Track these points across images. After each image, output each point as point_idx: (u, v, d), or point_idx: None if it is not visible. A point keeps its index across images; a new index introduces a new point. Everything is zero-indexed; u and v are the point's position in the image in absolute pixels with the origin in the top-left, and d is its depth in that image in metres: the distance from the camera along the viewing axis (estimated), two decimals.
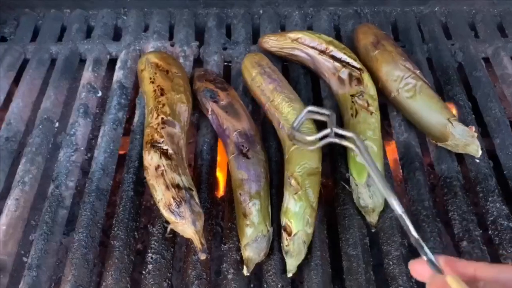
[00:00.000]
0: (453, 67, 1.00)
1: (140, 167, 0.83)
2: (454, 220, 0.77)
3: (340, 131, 0.69)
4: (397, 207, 0.58)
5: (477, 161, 0.84)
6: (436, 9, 1.12)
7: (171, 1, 1.10)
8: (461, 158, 0.86)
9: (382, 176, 0.62)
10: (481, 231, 0.76)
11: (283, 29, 1.10)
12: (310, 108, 0.74)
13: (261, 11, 1.13)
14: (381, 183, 0.61)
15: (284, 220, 0.71)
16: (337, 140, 0.69)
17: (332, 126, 0.70)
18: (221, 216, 0.88)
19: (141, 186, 0.83)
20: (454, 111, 0.93)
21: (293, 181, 0.73)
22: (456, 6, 1.12)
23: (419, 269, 0.52)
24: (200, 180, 0.83)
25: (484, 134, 0.91)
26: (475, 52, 1.03)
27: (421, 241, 0.54)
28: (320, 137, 0.72)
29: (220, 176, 0.95)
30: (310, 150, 0.75)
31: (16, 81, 1.00)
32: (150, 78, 0.86)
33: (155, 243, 0.75)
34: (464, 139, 0.81)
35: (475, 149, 0.81)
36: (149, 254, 0.74)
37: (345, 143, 0.68)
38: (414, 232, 0.55)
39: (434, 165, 0.86)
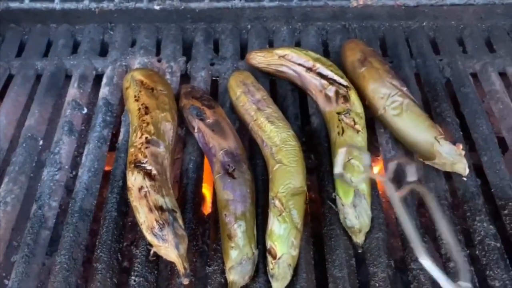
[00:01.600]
0: (441, 83, 0.99)
1: (124, 186, 0.82)
2: (441, 240, 0.77)
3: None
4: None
5: (465, 179, 0.83)
6: (424, 24, 1.13)
7: (159, 15, 1.10)
8: (448, 175, 0.86)
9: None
10: (468, 252, 0.76)
11: (271, 44, 1.10)
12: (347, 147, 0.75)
13: (249, 26, 1.12)
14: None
15: (268, 243, 0.70)
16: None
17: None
18: (207, 234, 0.87)
19: (125, 206, 0.82)
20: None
21: (277, 202, 0.73)
22: (444, 21, 1.12)
23: None
24: (185, 199, 0.82)
25: (472, 150, 0.91)
26: (463, 68, 1.03)
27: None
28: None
29: (207, 193, 0.94)
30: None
31: (1, 97, 0.99)
32: (135, 96, 0.85)
33: (139, 265, 0.73)
34: (452, 158, 0.81)
35: (462, 167, 0.81)
36: (132, 277, 0.72)
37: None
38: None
39: (422, 182, 0.86)
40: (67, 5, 0.91)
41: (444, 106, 0.94)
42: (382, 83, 0.87)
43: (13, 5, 0.90)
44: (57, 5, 0.90)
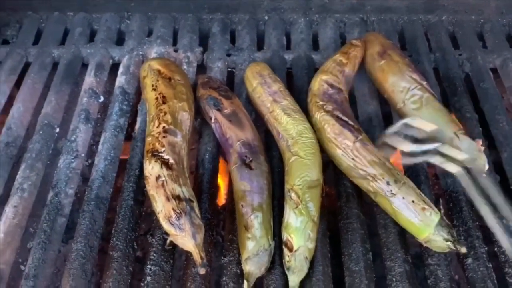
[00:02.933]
0: (460, 78, 0.98)
1: (141, 175, 0.82)
2: (459, 236, 0.76)
3: (450, 151, 0.65)
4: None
5: (484, 175, 0.82)
6: (443, 18, 1.11)
7: (175, 5, 1.09)
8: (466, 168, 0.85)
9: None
10: (486, 248, 0.75)
11: (288, 36, 1.09)
12: (407, 121, 0.70)
13: (266, 17, 1.11)
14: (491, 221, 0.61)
15: (285, 235, 0.70)
16: (437, 162, 0.64)
17: (440, 144, 0.66)
18: (222, 225, 0.87)
19: (141, 195, 0.82)
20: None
21: (293, 195, 0.72)
22: (464, 15, 1.10)
23: None
24: (201, 189, 0.82)
25: (491, 146, 0.89)
26: (483, 63, 1.01)
27: None
28: (419, 150, 0.67)
29: (221, 183, 0.94)
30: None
31: (18, 84, 0.99)
32: (152, 85, 0.85)
33: (155, 254, 0.73)
34: (471, 154, 0.79)
35: (481, 164, 0.79)
36: (148, 266, 0.73)
37: (449, 167, 0.64)
38: None
39: (439, 178, 0.85)
40: None
41: (463, 101, 0.93)
42: (402, 76, 0.86)
43: None
44: None
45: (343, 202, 0.79)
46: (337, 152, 0.78)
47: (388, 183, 0.72)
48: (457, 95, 0.95)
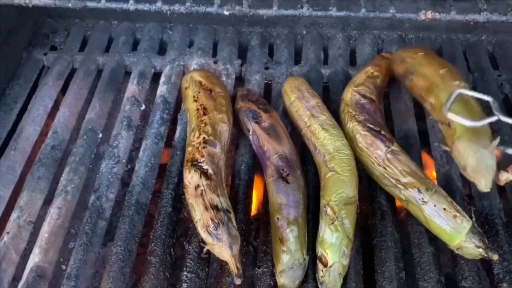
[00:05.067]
0: (499, 99, 0.97)
1: (179, 183, 0.84)
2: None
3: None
4: None
5: None
6: (483, 37, 1.10)
7: (216, 18, 1.12)
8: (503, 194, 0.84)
9: None
10: None
11: (325, 51, 1.10)
12: (462, 91, 0.77)
13: (304, 32, 1.13)
14: None
15: (320, 251, 0.71)
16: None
17: (498, 113, 0.75)
18: (253, 235, 0.88)
19: (179, 203, 0.84)
20: None
21: (329, 210, 0.73)
22: (505, 35, 1.10)
23: None
24: (236, 200, 0.83)
25: None
26: None
27: None
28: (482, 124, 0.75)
29: (254, 194, 0.95)
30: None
31: (63, 90, 1.03)
32: (194, 97, 0.87)
33: (191, 261, 0.75)
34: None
35: None
36: (184, 273, 0.74)
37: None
38: None
39: (475, 200, 0.85)
40: (140, 6, 0.93)
41: (502, 123, 0.92)
42: None
43: (91, 4, 0.94)
44: (131, 6, 0.93)
45: (377, 219, 0.80)
46: (369, 161, 0.80)
47: (419, 191, 0.74)
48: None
